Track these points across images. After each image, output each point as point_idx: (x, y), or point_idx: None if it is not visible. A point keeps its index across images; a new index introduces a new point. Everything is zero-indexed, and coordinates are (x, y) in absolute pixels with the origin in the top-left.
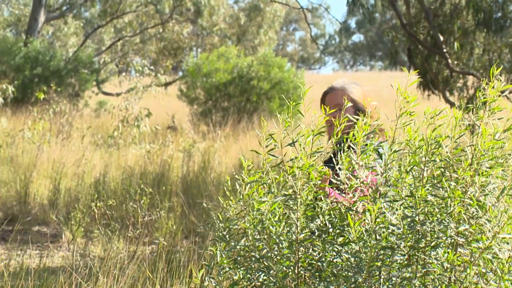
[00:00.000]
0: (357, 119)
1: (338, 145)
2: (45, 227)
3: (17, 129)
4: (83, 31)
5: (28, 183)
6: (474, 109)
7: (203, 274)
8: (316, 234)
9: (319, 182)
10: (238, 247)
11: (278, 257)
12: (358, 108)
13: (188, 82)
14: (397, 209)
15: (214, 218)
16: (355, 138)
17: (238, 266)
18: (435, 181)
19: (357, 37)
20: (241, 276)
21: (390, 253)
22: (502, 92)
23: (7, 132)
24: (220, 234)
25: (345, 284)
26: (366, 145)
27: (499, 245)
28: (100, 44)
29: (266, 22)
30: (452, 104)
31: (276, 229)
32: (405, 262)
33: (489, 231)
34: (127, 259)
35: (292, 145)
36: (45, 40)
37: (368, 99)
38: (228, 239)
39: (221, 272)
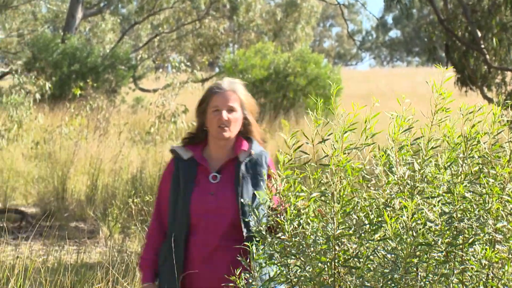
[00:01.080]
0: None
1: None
2: (83, 223)
3: (55, 125)
4: (120, 27)
5: (66, 179)
6: None
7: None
8: (352, 230)
9: None
10: (274, 243)
11: (314, 253)
12: (244, 111)
13: None
14: (434, 206)
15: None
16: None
17: (275, 262)
18: (473, 178)
19: (394, 33)
20: (277, 272)
21: (427, 249)
22: None
23: (44, 128)
24: (257, 230)
25: (381, 280)
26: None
27: None
28: (137, 40)
29: (303, 18)
30: (490, 100)
31: (312, 224)
32: (443, 258)
33: None
34: None
35: (324, 142)
36: (82, 37)
37: (252, 101)
38: (264, 234)
39: (257, 268)
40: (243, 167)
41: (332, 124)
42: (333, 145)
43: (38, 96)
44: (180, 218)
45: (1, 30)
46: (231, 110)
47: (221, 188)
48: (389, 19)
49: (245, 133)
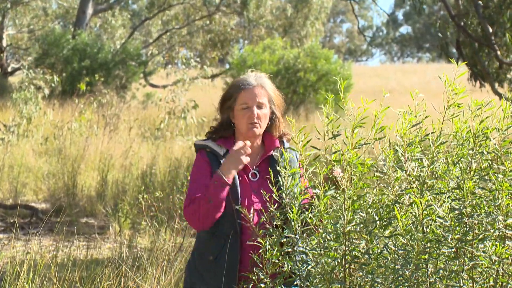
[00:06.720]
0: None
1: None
2: (93, 218)
3: (65, 121)
4: (131, 23)
5: (76, 174)
6: None
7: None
8: (361, 226)
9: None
10: (285, 239)
11: (325, 250)
12: (272, 105)
13: (234, 74)
14: (444, 202)
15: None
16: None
17: (286, 258)
18: (483, 174)
19: (405, 29)
20: (289, 268)
21: (437, 245)
22: None
23: (54, 124)
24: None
25: (392, 276)
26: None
27: None
28: (147, 36)
29: (313, 13)
30: (501, 96)
31: (323, 221)
32: (453, 255)
33: None
34: (174, 250)
35: (334, 138)
36: (92, 33)
37: (279, 96)
38: (276, 231)
39: (269, 264)
40: (278, 165)
41: (342, 120)
42: (344, 140)
43: (46, 91)
44: (229, 216)
45: (12, 26)
46: (260, 106)
47: (261, 186)
48: (400, 15)
49: (271, 128)
